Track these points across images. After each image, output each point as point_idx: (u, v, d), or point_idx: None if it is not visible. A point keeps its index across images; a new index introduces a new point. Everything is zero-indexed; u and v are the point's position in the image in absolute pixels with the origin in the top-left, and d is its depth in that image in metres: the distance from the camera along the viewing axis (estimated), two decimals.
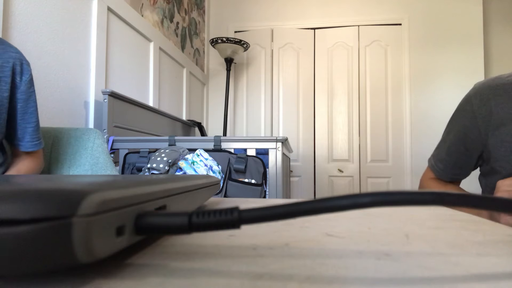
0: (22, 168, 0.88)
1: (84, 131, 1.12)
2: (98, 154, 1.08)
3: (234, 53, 2.79)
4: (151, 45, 2.16)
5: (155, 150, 1.37)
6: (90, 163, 1.07)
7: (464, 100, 0.78)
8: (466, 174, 0.80)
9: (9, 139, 0.89)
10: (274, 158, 1.43)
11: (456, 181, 0.83)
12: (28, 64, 0.88)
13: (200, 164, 1.29)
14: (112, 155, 1.50)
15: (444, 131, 0.83)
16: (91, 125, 1.55)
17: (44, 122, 1.28)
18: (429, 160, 0.86)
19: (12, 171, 0.87)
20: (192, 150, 1.40)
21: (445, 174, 0.81)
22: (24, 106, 0.86)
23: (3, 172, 0.88)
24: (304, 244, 0.17)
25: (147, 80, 2.13)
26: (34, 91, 0.89)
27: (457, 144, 0.77)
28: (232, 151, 1.45)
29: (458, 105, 0.80)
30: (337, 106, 3.17)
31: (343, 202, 0.12)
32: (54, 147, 1.08)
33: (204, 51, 3.26)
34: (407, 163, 3.05)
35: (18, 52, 0.86)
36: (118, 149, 1.52)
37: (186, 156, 1.34)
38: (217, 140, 1.47)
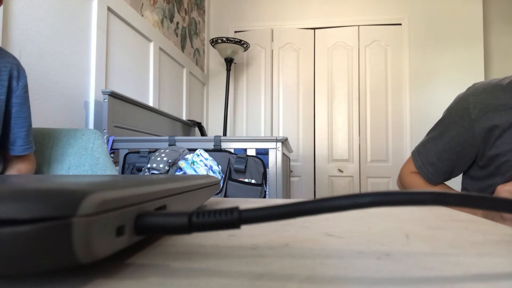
0: (14, 172, 0.89)
1: (84, 132, 1.12)
2: (98, 154, 1.08)
3: (234, 53, 2.79)
4: (151, 45, 2.16)
5: (155, 150, 1.37)
6: (90, 163, 1.07)
7: (460, 106, 0.73)
8: (455, 176, 0.79)
9: (1, 142, 0.89)
10: (274, 158, 1.43)
11: None
12: (24, 71, 0.90)
13: (200, 164, 1.29)
14: (112, 155, 1.50)
15: (435, 129, 0.78)
16: (91, 125, 1.55)
17: (44, 122, 1.28)
18: (413, 154, 0.81)
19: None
20: (192, 150, 1.39)
21: (434, 179, 0.78)
22: (19, 110, 0.88)
23: None
24: (304, 244, 0.17)
25: (147, 80, 2.13)
26: (28, 96, 0.91)
27: (450, 152, 0.75)
28: (232, 151, 1.45)
29: (453, 107, 0.76)
30: (337, 106, 3.17)
31: (343, 202, 0.12)
32: (54, 147, 1.08)
33: (204, 51, 3.26)
34: None
35: (15, 58, 0.90)
36: (118, 149, 1.52)
37: (186, 156, 1.34)
38: (217, 140, 1.47)
